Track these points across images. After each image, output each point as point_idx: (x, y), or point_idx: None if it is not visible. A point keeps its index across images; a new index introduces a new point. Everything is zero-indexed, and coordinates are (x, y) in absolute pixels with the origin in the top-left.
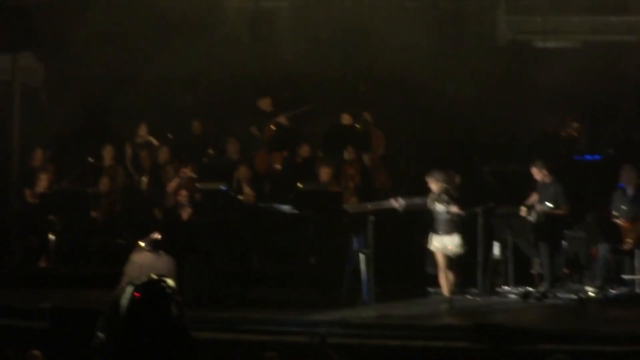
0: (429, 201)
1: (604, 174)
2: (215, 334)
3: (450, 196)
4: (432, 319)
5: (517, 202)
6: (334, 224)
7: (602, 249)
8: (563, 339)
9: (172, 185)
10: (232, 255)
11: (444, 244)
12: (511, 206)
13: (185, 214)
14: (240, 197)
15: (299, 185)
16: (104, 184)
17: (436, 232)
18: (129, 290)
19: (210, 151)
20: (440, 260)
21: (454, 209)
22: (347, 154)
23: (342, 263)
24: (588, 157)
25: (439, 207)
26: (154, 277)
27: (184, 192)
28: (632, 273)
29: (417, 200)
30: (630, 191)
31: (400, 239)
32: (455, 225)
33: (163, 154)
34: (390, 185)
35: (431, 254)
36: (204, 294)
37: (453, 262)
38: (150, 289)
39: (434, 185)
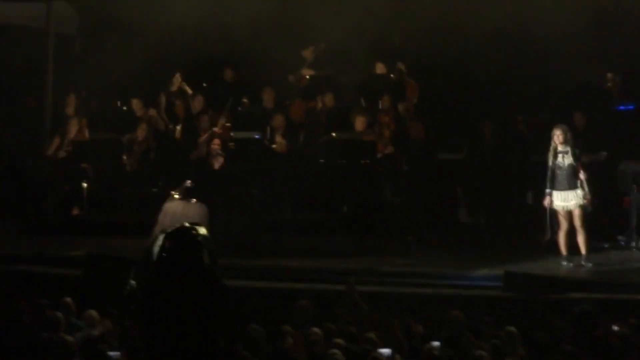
0: (550, 155)
1: (637, 124)
2: (248, 281)
3: (575, 153)
4: (464, 268)
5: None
6: (367, 172)
7: (634, 198)
8: (593, 288)
9: (203, 137)
10: (265, 204)
11: (569, 199)
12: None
13: (217, 163)
14: (273, 146)
15: (333, 134)
16: (142, 130)
17: (559, 188)
18: (161, 238)
19: (245, 100)
20: (564, 218)
21: (582, 175)
22: (383, 103)
23: (374, 212)
24: (622, 107)
25: (562, 162)
26: (186, 225)
27: (217, 141)
28: None
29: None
30: None
31: (433, 188)
32: (577, 179)
33: (197, 103)
34: (424, 135)
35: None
36: (237, 243)
37: (582, 216)
38: (181, 236)
39: (562, 138)
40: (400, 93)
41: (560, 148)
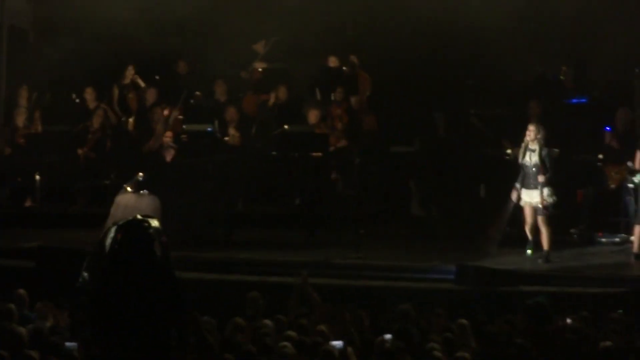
0: (520, 152)
1: (590, 117)
2: (200, 274)
3: (542, 152)
4: (416, 261)
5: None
6: (320, 165)
7: (587, 192)
8: (546, 281)
9: (158, 129)
10: (218, 197)
11: (533, 197)
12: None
13: (169, 155)
14: (226, 138)
15: (286, 126)
16: (98, 117)
17: (526, 186)
18: (113, 230)
19: (198, 93)
20: (529, 214)
21: (541, 177)
22: (336, 95)
23: (327, 205)
24: (575, 100)
25: (529, 160)
26: (138, 217)
27: (169, 134)
28: (617, 216)
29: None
30: (620, 133)
31: (385, 181)
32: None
33: (150, 95)
34: (377, 128)
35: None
36: (189, 235)
37: (545, 216)
38: (133, 229)
39: (533, 135)
40: (353, 86)
41: (530, 145)
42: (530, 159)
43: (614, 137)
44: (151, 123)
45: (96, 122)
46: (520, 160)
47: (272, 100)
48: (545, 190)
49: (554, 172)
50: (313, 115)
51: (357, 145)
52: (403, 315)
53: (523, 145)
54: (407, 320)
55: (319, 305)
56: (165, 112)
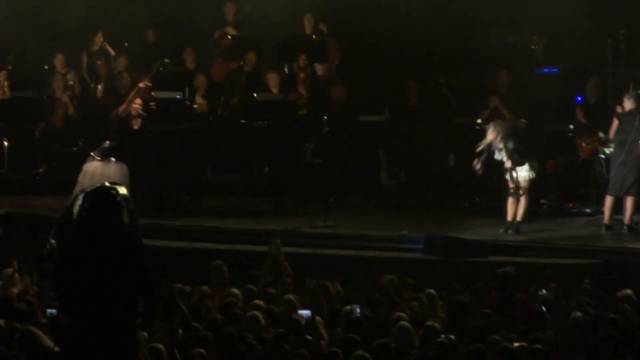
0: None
1: (561, 87)
2: (168, 242)
3: (507, 149)
4: (385, 230)
5: (473, 115)
6: (288, 133)
7: (558, 163)
8: (514, 252)
9: (131, 95)
10: (186, 164)
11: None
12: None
13: (136, 123)
14: (194, 106)
15: (255, 95)
16: (56, 86)
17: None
18: (80, 197)
19: (166, 60)
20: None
21: (508, 163)
22: (300, 61)
23: (295, 173)
24: (546, 70)
25: (504, 156)
26: (106, 184)
27: (138, 101)
28: (588, 187)
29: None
30: (591, 104)
31: (354, 150)
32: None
33: (120, 63)
34: (345, 97)
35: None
36: (158, 203)
37: (526, 187)
38: (101, 196)
39: (490, 135)
40: (322, 55)
41: (497, 145)
42: (503, 156)
43: (584, 107)
44: (119, 89)
45: (57, 88)
46: (496, 157)
47: (241, 68)
48: (525, 166)
49: (521, 143)
50: (272, 80)
51: (326, 114)
52: (383, 286)
53: (487, 145)
54: (385, 290)
55: (288, 274)
56: (140, 85)
